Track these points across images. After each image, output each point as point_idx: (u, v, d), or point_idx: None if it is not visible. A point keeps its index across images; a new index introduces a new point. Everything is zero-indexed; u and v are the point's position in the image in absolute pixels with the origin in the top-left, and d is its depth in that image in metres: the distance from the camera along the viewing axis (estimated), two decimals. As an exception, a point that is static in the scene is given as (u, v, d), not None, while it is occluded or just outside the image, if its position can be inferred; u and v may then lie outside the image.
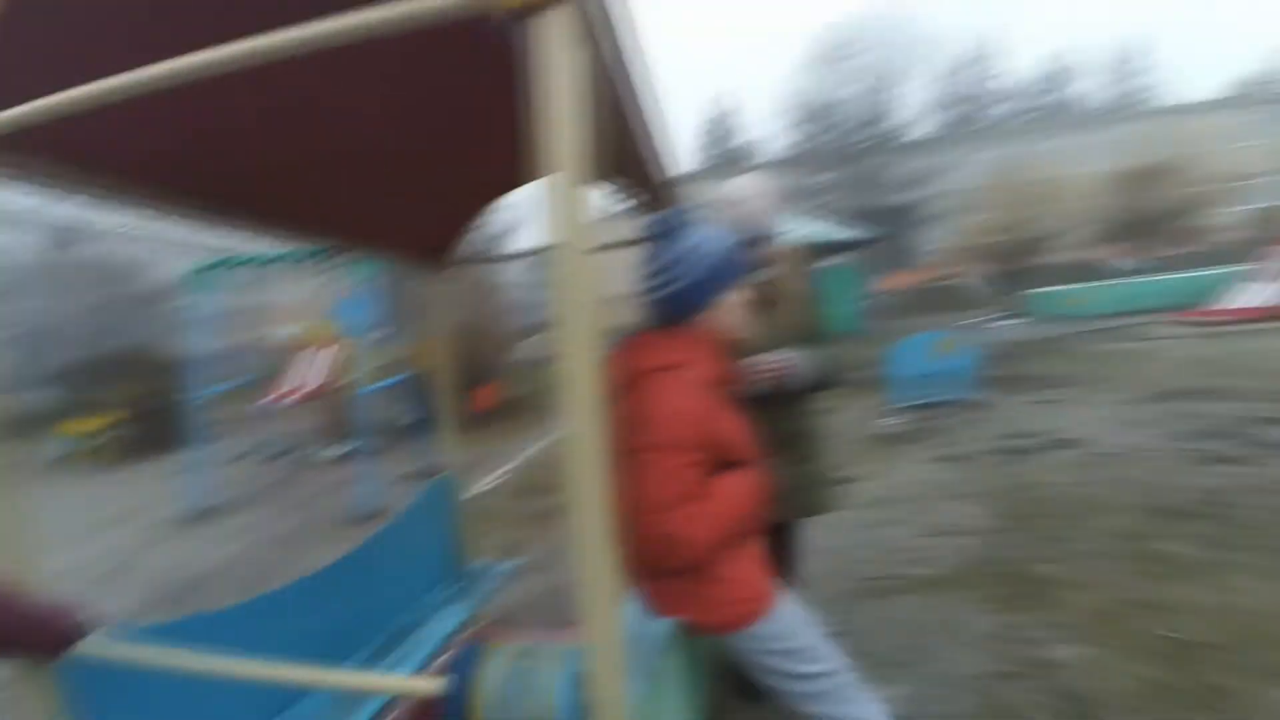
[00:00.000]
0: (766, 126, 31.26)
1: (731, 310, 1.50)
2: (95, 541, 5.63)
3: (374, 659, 2.01)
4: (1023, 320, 15.32)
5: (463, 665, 1.02)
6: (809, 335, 2.15)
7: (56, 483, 9.23)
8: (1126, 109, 34.61)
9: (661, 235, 1.47)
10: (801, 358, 2.00)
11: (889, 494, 4.33)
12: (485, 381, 9.44)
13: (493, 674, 0.99)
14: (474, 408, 9.64)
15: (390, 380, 7.03)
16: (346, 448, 7.07)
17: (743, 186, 2.10)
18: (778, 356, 1.97)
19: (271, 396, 8.04)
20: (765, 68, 36.80)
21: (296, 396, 7.86)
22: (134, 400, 10.57)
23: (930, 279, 26.94)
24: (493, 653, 1.02)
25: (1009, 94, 42.01)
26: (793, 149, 31.58)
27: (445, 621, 2.26)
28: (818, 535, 3.75)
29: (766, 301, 2.10)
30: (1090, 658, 2.29)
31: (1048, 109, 41.02)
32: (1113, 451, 4.52)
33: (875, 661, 2.46)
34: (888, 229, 28.45)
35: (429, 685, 1.03)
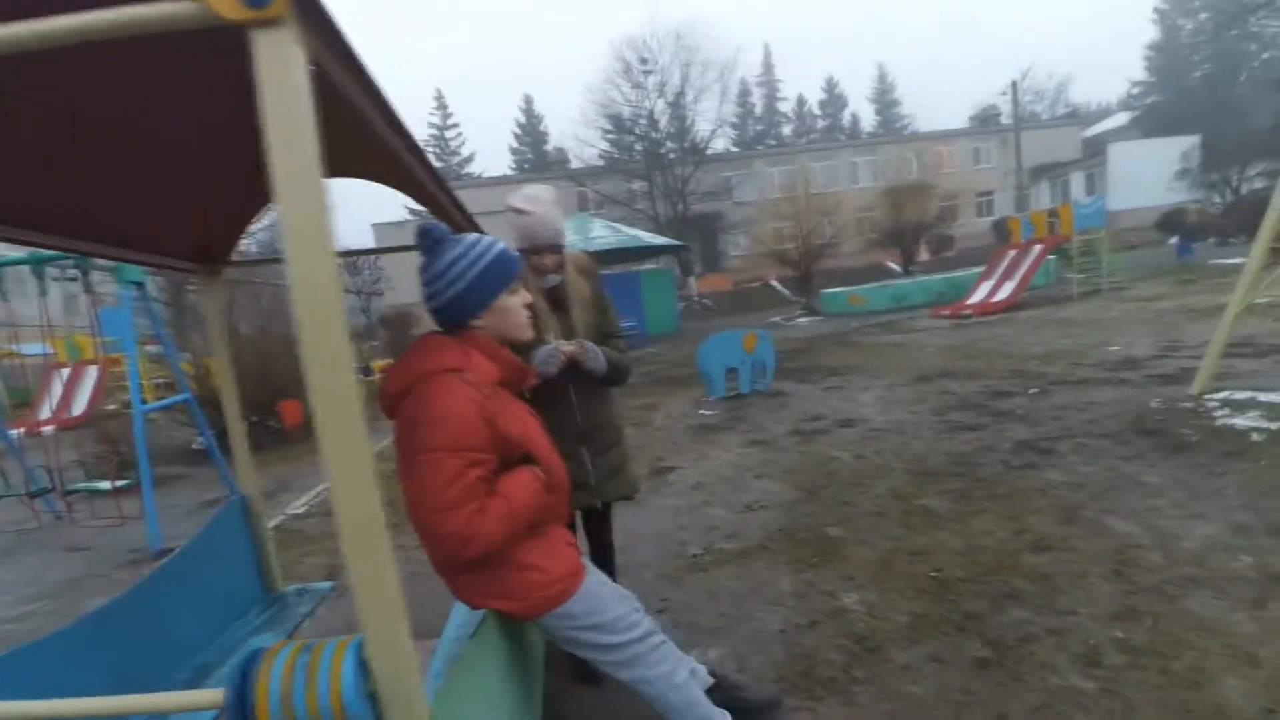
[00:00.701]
0: (577, 134, 31.89)
1: (508, 312, 1.58)
2: None
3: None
4: (816, 317, 17.18)
5: (242, 673, 0.95)
6: (601, 336, 2.29)
7: None
8: (889, 133, 40.29)
9: (431, 246, 1.52)
10: (593, 347, 2.14)
11: (706, 478, 4.62)
12: (291, 395, 8.60)
13: (274, 675, 0.94)
14: (284, 422, 8.74)
15: (172, 399, 6.16)
16: (126, 479, 6.07)
17: (532, 195, 2.16)
18: (572, 342, 2.10)
19: (24, 425, 6.68)
20: (574, 74, 37.53)
21: (55, 424, 6.61)
22: None
23: (739, 281, 29.28)
24: (272, 655, 0.96)
25: (793, 117, 47.00)
26: (603, 156, 32.64)
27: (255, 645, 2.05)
28: (645, 521, 3.96)
29: (558, 303, 2.22)
30: (872, 601, 2.64)
31: (826, 131, 46.51)
32: (884, 427, 5.23)
33: (697, 630, 2.65)
34: (694, 236, 30.52)
35: (209, 698, 0.96)
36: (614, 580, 2.53)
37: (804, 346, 11.08)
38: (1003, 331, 9.51)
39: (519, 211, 2.13)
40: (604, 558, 2.53)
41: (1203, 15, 38.43)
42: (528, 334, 1.65)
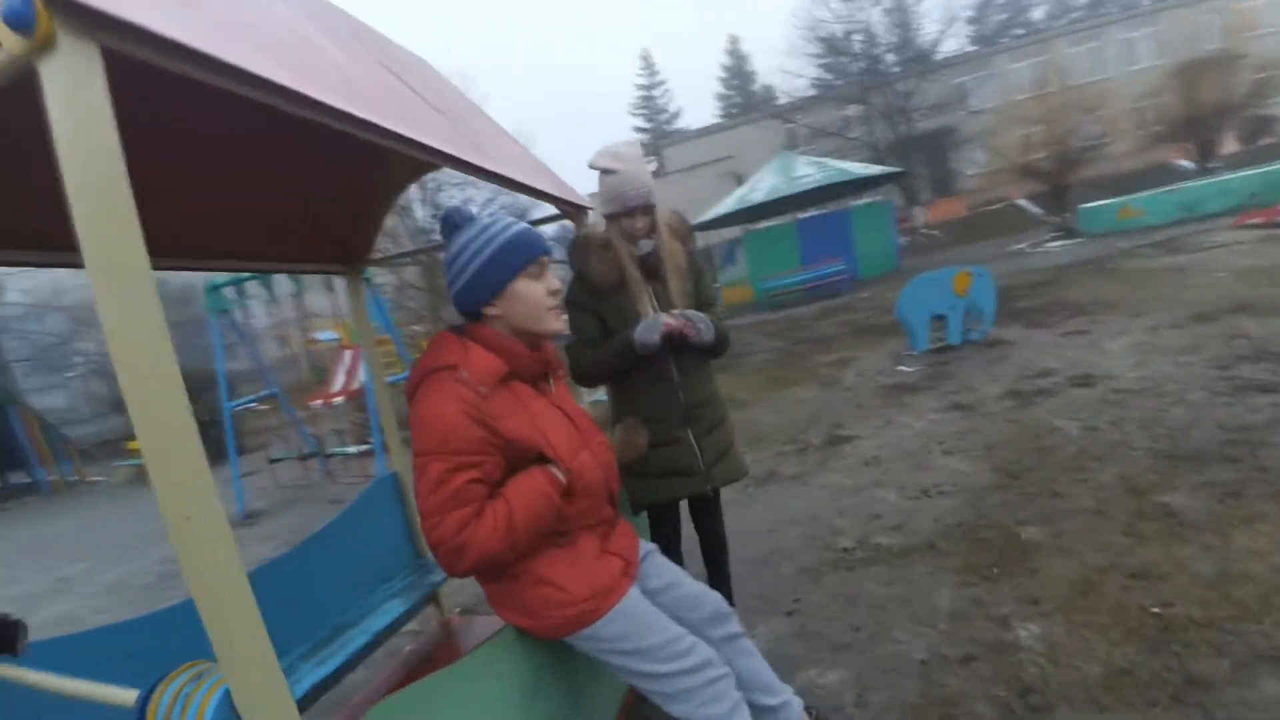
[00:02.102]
0: (784, 65, 29.55)
1: (525, 299, 1.40)
2: (155, 549, 5.87)
3: (314, 650, 2.06)
4: (1075, 240, 14.31)
5: (149, 689, 0.94)
6: (697, 304, 2.10)
7: (124, 498, 9.79)
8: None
9: (449, 230, 1.41)
10: (699, 316, 1.94)
11: (884, 452, 4.04)
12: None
13: (166, 694, 0.92)
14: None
15: (397, 377, 7.15)
16: (368, 444, 7.22)
17: (617, 152, 1.96)
18: (674, 313, 1.91)
19: (320, 399, 8.34)
20: (773, 3, 34.47)
21: (340, 397, 8.13)
22: None
23: (977, 205, 25.54)
24: (177, 673, 0.94)
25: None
26: (815, 85, 30.02)
27: (386, 615, 2.26)
28: (801, 501, 3.58)
29: (652, 272, 1.99)
30: (1057, 638, 2.03)
31: (1090, 6, 37.74)
32: (1136, 388, 4.08)
33: (821, 643, 2.31)
34: (921, 159, 27.01)
35: (124, 695, 0.96)
36: (722, 579, 2.28)
37: (1047, 279, 9.24)
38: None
39: (604, 171, 1.93)
40: (715, 551, 2.31)
41: None
42: (553, 324, 1.46)
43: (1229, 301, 5.54)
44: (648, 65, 48.66)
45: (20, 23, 0.66)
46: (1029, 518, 2.80)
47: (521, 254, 1.38)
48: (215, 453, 8.93)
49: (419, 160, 1.41)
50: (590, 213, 2.43)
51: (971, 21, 36.92)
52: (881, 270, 16.22)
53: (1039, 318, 6.77)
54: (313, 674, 1.89)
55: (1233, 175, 14.16)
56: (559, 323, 1.48)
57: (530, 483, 1.33)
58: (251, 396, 7.84)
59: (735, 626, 1.64)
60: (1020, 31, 35.67)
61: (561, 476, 1.37)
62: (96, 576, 5.61)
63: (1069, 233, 15.33)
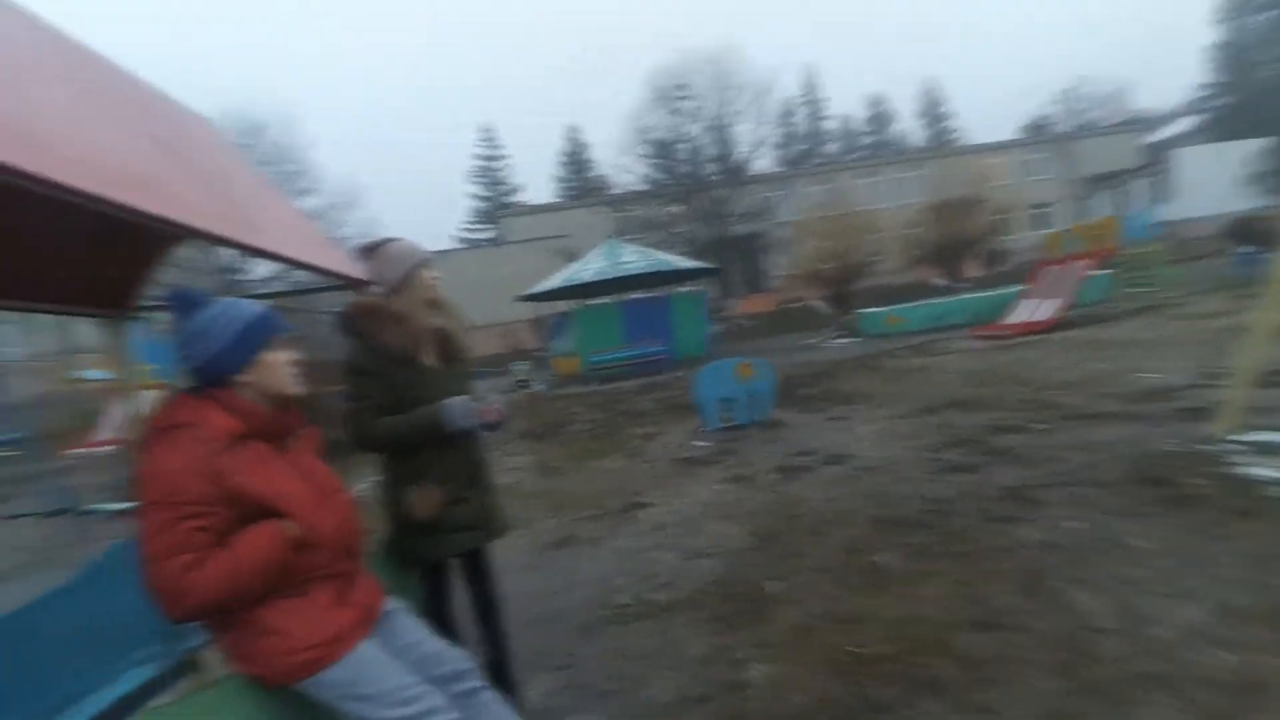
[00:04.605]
0: (618, 159, 31.96)
1: (273, 369, 1.57)
2: None
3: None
4: (856, 338, 16.61)
5: None
6: (470, 375, 2.38)
7: None
8: (938, 148, 39.03)
9: (185, 307, 1.53)
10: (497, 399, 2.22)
11: (671, 518, 4.42)
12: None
13: None
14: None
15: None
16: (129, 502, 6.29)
17: (397, 249, 2.20)
18: (490, 401, 2.17)
19: (81, 446, 7.14)
20: (614, 104, 37.84)
21: (109, 445, 7.02)
22: None
23: (779, 302, 28.76)
24: None
25: (837, 134, 46.26)
26: (643, 181, 32.71)
27: (126, 683, 2.17)
28: (591, 564, 3.79)
29: (440, 345, 2.24)
30: (778, 676, 2.40)
31: (871, 148, 45.56)
32: (872, 465, 4.90)
33: (588, 694, 2.48)
34: (734, 257, 30.20)
35: None
36: (496, 634, 2.39)
37: (824, 371, 10.69)
38: (1033, 355, 8.91)
39: (383, 243, 2.21)
40: (487, 607, 2.41)
41: (1269, 14, 35.84)
42: (295, 388, 1.63)
43: (948, 398, 6.84)
44: (489, 138, 49.89)
45: None
46: (772, 574, 3.26)
47: (268, 329, 1.57)
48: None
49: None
50: (373, 287, 2.55)
51: (778, 146, 42.58)
52: (695, 353, 17.55)
53: (812, 404, 7.82)
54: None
55: (969, 295, 17.51)
56: (299, 386, 1.65)
57: (260, 533, 1.42)
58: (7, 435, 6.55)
59: (475, 681, 1.76)
60: (819, 160, 41.87)
61: (293, 529, 1.47)
62: None
63: (852, 332, 17.81)
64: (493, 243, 36.92)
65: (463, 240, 46.93)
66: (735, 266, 30.80)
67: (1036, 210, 34.11)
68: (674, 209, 30.64)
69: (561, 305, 19.37)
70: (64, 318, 6.21)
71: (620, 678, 2.55)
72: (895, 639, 2.52)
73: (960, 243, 22.78)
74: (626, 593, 3.32)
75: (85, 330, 7.73)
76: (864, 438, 5.79)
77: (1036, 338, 10.70)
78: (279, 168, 27.44)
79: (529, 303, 20.32)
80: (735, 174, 30.82)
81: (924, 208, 25.56)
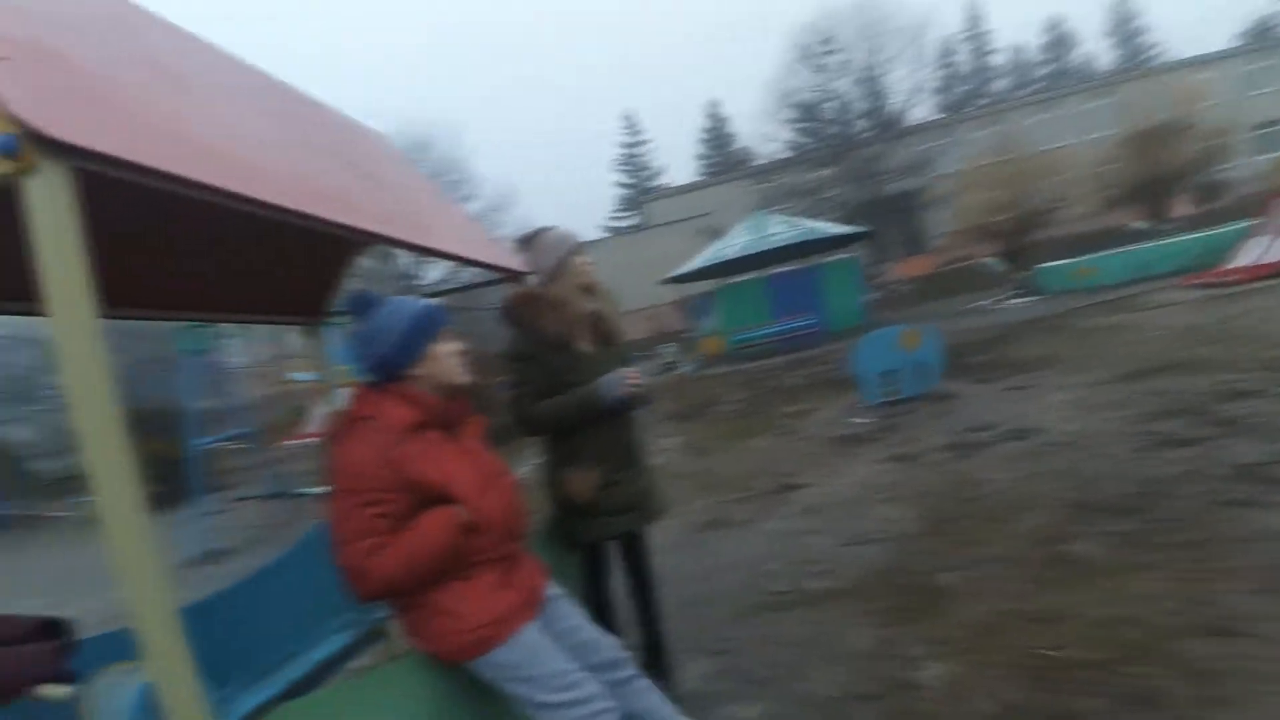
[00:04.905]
0: (761, 128, 30.56)
1: (442, 360, 1.64)
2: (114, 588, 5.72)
3: (256, 677, 2.17)
4: (1034, 297, 14.86)
5: (86, 677, 1.12)
6: (624, 360, 2.31)
7: (84, 534, 9.55)
8: (1131, 70, 33.37)
9: (361, 310, 1.63)
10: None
11: (825, 500, 4.19)
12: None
13: (100, 685, 1.10)
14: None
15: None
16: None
17: (551, 238, 2.24)
18: (631, 370, 2.13)
19: (294, 439, 8.35)
20: (754, 71, 36.00)
21: (316, 438, 8.15)
22: (151, 455, 11.05)
23: (942, 263, 26.44)
24: (113, 668, 1.12)
25: (1006, 69, 41.16)
26: (789, 148, 31.19)
27: (328, 647, 2.38)
28: (741, 547, 3.69)
29: (594, 328, 2.25)
30: (956, 678, 2.16)
31: (1048, 79, 40.06)
32: (1065, 440, 4.30)
33: (744, 680, 2.41)
34: (890, 218, 28.04)
35: (54, 693, 1.13)
36: (652, 615, 2.39)
37: (999, 335, 9.63)
38: (1267, 304, 7.39)
39: (538, 233, 2.26)
40: (644, 588, 2.43)
41: None
42: (464, 377, 1.69)
43: (1160, 359, 5.85)
44: (631, 126, 50.25)
45: (8, 152, 0.89)
46: (946, 564, 2.95)
47: (435, 323, 1.63)
48: (184, 491, 8.89)
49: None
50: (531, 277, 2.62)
51: (938, 91, 38.87)
52: (850, 324, 16.63)
53: (987, 373, 7.05)
54: (253, 698, 1.96)
55: (1181, 238, 14.93)
56: (467, 376, 1.70)
57: (434, 519, 1.48)
58: (223, 435, 7.82)
59: (630, 670, 1.77)
60: (986, 101, 37.66)
61: (464, 514, 1.51)
62: (58, 610, 5.47)
63: (1028, 290, 15.95)
64: (636, 229, 37.49)
65: (608, 229, 48.04)
66: (891, 228, 28.62)
67: (1263, 131, 28.13)
68: (823, 173, 28.98)
69: (709, 285, 19.19)
70: (276, 328, 7.19)
71: (777, 666, 2.44)
72: (1099, 642, 2.17)
73: (1165, 177, 19.41)
74: (782, 578, 3.18)
75: (293, 338, 8.88)
76: (1053, 409, 5.11)
77: (1269, 283, 8.87)
78: (445, 178, 29.69)
79: (674, 285, 20.37)
80: (889, 128, 28.36)
81: (1118, 141, 22.07)
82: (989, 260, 23.63)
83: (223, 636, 2.14)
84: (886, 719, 2.03)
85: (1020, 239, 17.21)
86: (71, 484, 14.51)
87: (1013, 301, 14.95)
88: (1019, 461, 4.10)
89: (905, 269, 26.66)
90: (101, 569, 1.01)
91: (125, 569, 0.96)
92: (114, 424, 0.97)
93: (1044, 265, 16.01)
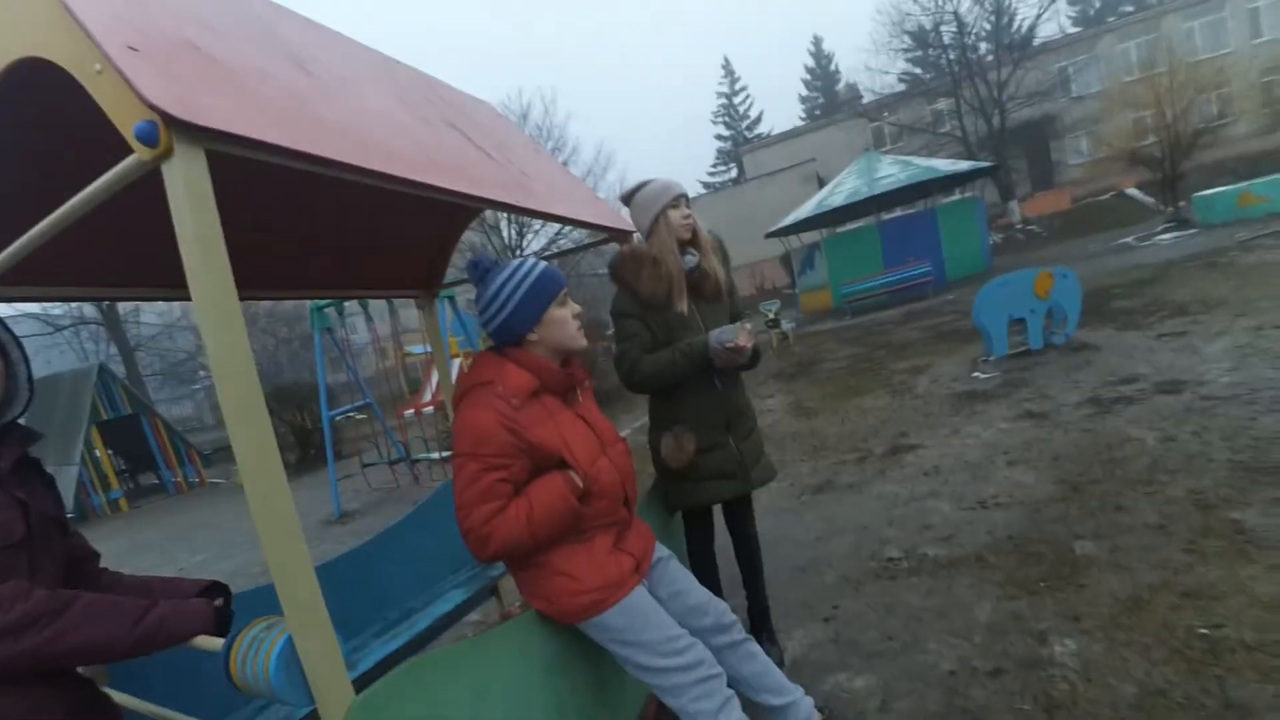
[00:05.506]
0: (870, 64, 28.19)
1: (559, 324, 1.63)
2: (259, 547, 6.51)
3: (385, 629, 2.33)
4: (1190, 231, 13.18)
5: (232, 632, 1.20)
6: (731, 320, 2.27)
7: (240, 498, 10.83)
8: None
9: (480, 275, 1.63)
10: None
11: (943, 462, 3.96)
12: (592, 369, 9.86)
13: (244, 640, 1.17)
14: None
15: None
16: (450, 450, 7.70)
17: (648, 192, 2.15)
18: (742, 330, 2.03)
19: (411, 408, 9.01)
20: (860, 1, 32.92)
21: (430, 406, 8.76)
22: (292, 425, 12.34)
23: (1079, 197, 23.91)
24: (249, 629, 1.19)
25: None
26: (902, 81, 28.80)
27: (448, 602, 2.49)
28: (854, 510, 3.59)
29: (694, 286, 2.18)
30: (1094, 656, 1.99)
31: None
32: (1226, 394, 3.80)
33: (854, 649, 2.35)
34: (1017, 151, 25.45)
35: (211, 644, 1.23)
36: (757, 580, 2.37)
37: (1149, 276, 8.60)
38: None
39: (638, 187, 2.19)
40: (748, 553, 2.42)
41: None
42: (582, 341, 1.69)
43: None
44: (729, 72, 48.27)
45: (148, 140, 0.93)
46: (1086, 531, 2.71)
47: (552, 287, 1.61)
48: (317, 457, 9.81)
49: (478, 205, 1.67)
50: (635, 236, 2.59)
51: (1073, 2, 34.65)
52: (971, 270, 15.48)
53: (1134, 319, 6.35)
54: (381, 649, 2.13)
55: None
56: (584, 340, 1.69)
57: (550, 484, 1.50)
58: (349, 406, 8.51)
59: (738, 634, 1.77)
60: (1128, 9, 33.06)
61: (579, 480, 1.53)
62: (213, 566, 6.27)
63: (1183, 223, 14.14)
64: (735, 182, 36.35)
65: (706, 185, 46.88)
66: (1019, 162, 26.06)
67: None
68: (940, 105, 26.65)
69: (814, 236, 18.41)
70: (394, 306, 7.67)
71: (890, 637, 2.35)
72: (1266, 624, 1.93)
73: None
74: (896, 545, 3.05)
75: (409, 314, 9.46)
76: (1214, 358, 4.52)
77: None
78: (545, 145, 30.12)
79: (777, 239, 19.70)
80: (1017, 48, 25.46)
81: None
82: (1134, 191, 21.13)
83: (354, 592, 2.34)
84: (1011, 698, 1.91)
85: (1174, 164, 15.17)
86: (225, 454, 16.49)
87: (1164, 237, 13.33)
88: (1172, 419, 3.67)
89: (1035, 206, 24.32)
90: (251, 530, 1.10)
91: (266, 531, 1.03)
92: (255, 399, 1.03)
93: (1201, 194, 14.09)
